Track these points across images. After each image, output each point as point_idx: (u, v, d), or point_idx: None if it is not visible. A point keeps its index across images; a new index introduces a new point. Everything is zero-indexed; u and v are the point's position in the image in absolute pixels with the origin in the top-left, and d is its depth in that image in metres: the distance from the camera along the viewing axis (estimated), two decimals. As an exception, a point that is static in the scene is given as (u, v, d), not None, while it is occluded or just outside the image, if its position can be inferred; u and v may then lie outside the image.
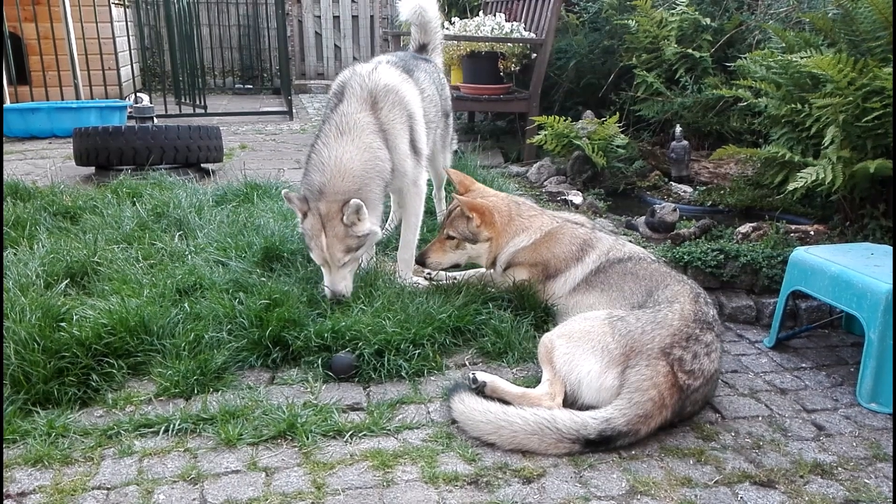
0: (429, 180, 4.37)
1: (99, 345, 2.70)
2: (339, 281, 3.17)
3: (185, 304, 3.04)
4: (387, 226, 4.27)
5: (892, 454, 2.43)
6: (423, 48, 4.24)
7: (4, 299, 2.90)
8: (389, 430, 2.46)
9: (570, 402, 2.54)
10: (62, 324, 2.77)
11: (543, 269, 3.20)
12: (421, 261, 3.45)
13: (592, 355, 2.53)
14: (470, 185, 3.50)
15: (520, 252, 3.27)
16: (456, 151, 4.87)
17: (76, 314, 2.85)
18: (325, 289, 3.18)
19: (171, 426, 2.43)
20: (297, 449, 2.36)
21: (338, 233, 3.10)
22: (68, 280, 3.28)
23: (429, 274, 3.61)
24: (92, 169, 5.74)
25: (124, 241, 3.84)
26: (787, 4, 5.37)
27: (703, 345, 2.54)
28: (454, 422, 2.48)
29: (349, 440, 2.40)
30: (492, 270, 3.42)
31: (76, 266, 3.40)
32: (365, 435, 2.43)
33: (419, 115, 3.51)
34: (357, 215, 3.10)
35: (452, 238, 3.38)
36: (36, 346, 2.61)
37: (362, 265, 3.56)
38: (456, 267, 3.47)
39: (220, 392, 2.65)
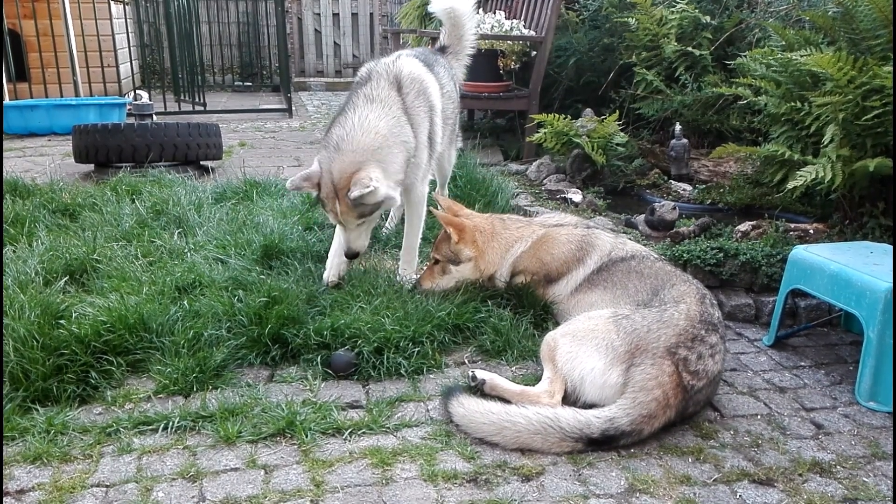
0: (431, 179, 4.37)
1: (98, 342, 2.71)
2: (356, 240, 3.21)
3: (185, 302, 3.04)
4: (386, 224, 4.27)
5: (891, 452, 2.43)
6: (442, 50, 4.14)
7: (4, 296, 2.89)
8: (388, 427, 2.46)
9: (571, 401, 2.53)
10: (61, 321, 2.78)
11: (546, 275, 3.17)
12: (413, 288, 3.34)
13: (597, 352, 2.53)
14: (458, 210, 3.39)
15: (519, 260, 3.24)
16: (460, 149, 4.87)
17: (75, 312, 2.85)
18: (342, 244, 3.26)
19: (171, 424, 2.43)
20: (296, 447, 2.36)
21: (348, 202, 3.04)
22: (67, 277, 3.29)
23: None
24: (91, 166, 5.73)
25: (123, 239, 3.83)
26: (787, 2, 5.35)
27: (707, 346, 2.54)
28: (452, 420, 2.48)
29: (348, 438, 2.40)
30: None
31: (75, 263, 3.40)
32: (364, 433, 2.43)
33: (438, 109, 3.50)
34: (369, 182, 2.97)
35: (438, 262, 3.32)
36: (35, 343, 2.61)
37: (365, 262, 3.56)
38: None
39: (219, 390, 2.65)
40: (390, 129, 3.16)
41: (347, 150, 3.08)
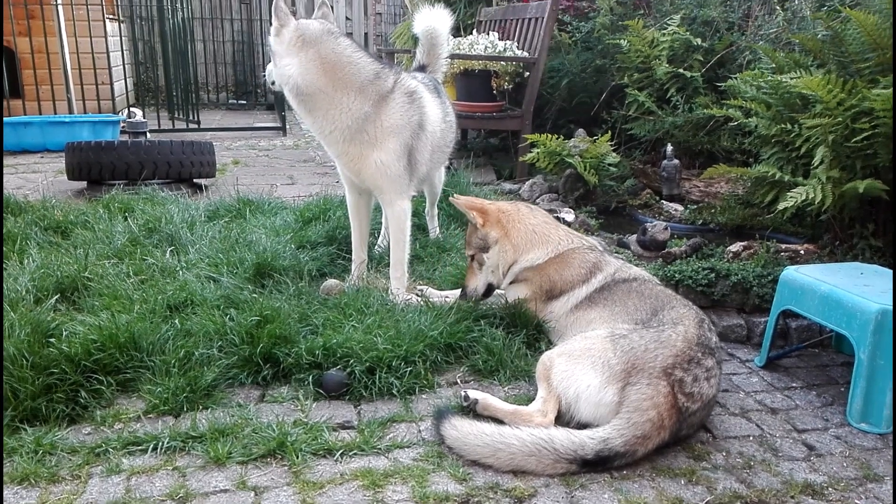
0: (420, 193, 4.39)
1: (88, 361, 2.68)
2: None
3: (176, 321, 3.02)
4: (379, 242, 4.28)
5: (882, 474, 2.43)
6: (422, 68, 4.25)
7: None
8: (380, 448, 2.45)
9: (565, 421, 2.52)
10: (51, 340, 2.75)
11: (549, 291, 3.17)
12: (463, 293, 3.36)
13: (593, 369, 2.51)
14: (482, 205, 3.35)
15: (529, 269, 3.22)
16: (448, 167, 4.89)
17: (66, 330, 2.83)
18: None
19: (160, 444, 2.40)
20: (286, 468, 2.34)
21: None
22: (58, 295, 3.26)
23: (421, 291, 3.61)
24: (84, 183, 5.73)
25: (115, 257, 3.82)
26: (777, 26, 5.43)
27: (703, 369, 2.53)
28: (444, 442, 2.47)
29: (339, 459, 2.38)
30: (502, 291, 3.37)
31: (66, 281, 3.38)
32: (355, 454, 2.41)
33: (429, 130, 3.53)
34: (276, 20, 3.27)
35: (472, 258, 3.31)
36: (24, 362, 2.58)
37: (352, 282, 3.58)
38: (490, 290, 3.35)
39: (209, 409, 2.62)
40: (367, 65, 3.33)
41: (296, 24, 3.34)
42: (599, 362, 2.52)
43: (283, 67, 3.27)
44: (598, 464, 2.34)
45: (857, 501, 2.28)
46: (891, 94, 3.24)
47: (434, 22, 4.18)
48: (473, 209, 3.26)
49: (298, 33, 3.25)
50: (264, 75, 3.55)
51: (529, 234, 3.25)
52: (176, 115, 9.68)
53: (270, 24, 3.35)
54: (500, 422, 2.49)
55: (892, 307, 2.66)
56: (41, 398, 2.53)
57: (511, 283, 3.30)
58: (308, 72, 3.25)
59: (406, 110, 3.40)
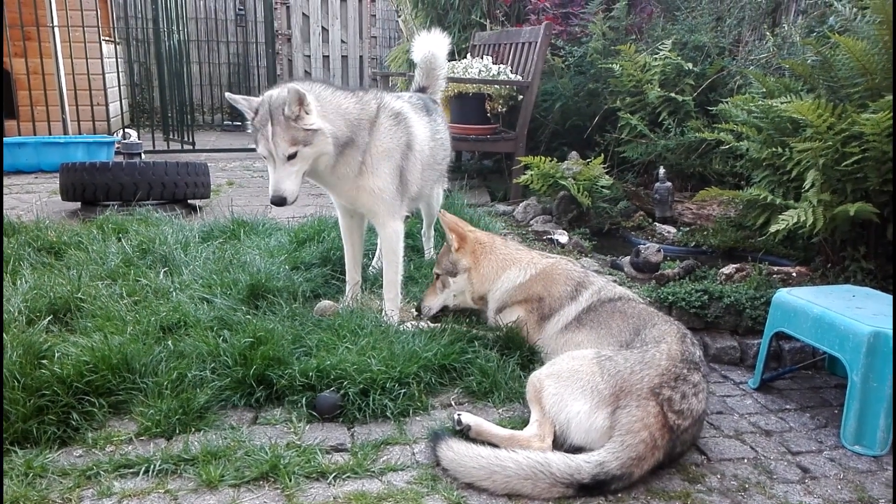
0: (417, 215, 4.40)
1: (80, 383, 2.67)
2: (284, 179, 3.03)
3: (169, 342, 3.01)
4: (373, 263, 4.28)
5: (877, 497, 2.43)
6: (422, 90, 4.29)
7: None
8: (374, 471, 2.43)
9: (559, 444, 2.51)
10: (43, 361, 2.74)
11: (539, 308, 3.20)
12: (418, 308, 3.56)
13: (582, 395, 2.52)
14: (463, 225, 3.53)
15: (514, 290, 3.28)
16: (447, 191, 4.91)
17: (58, 351, 2.82)
18: (270, 191, 3.07)
19: (152, 467, 2.38)
20: (279, 491, 2.32)
21: (282, 121, 2.98)
22: (51, 316, 3.25)
23: (417, 314, 3.61)
24: (78, 204, 5.73)
25: (109, 278, 3.81)
26: (768, 51, 5.50)
27: (690, 385, 2.54)
28: (439, 463, 2.45)
29: (333, 482, 2.37)
30: (488, 314, 3.43)
31: (59, 302, 3.37)
32: (349, 477, 2.40)
33: (417, 149, 3.54)
34: (299, 106, 2.97)
35: (438, 277, 3.46)
36: (16, 383, 2.57)
37: (346, 304, 3.57)
38: (445, 310, 3.54)
39: (202, 432, 2.61)
40: (350, 104, 3.27)
41: (293, 88, 3.03)
42: (588, 387, 2.53)
43: (320, 135, 3.08)
44: (595, 488, 2.33)
45: (851, 524, 2.28)
46: (880, 119, 3.27)
47: (432, 46, 4.25)
48: (454, 231, 3.44)
49: (314, 95, 3.13)
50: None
51: (500, 262, 3.40)
52: (171, 137, 9.70)
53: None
54: (495, 445, 2.48)
55: (884, 330, 2.67)
56: (32, 420, 2.51)
57: (500, 310, 3.34)
58: (335, 125, 3.16)
59: (393, 133, 3.42)
